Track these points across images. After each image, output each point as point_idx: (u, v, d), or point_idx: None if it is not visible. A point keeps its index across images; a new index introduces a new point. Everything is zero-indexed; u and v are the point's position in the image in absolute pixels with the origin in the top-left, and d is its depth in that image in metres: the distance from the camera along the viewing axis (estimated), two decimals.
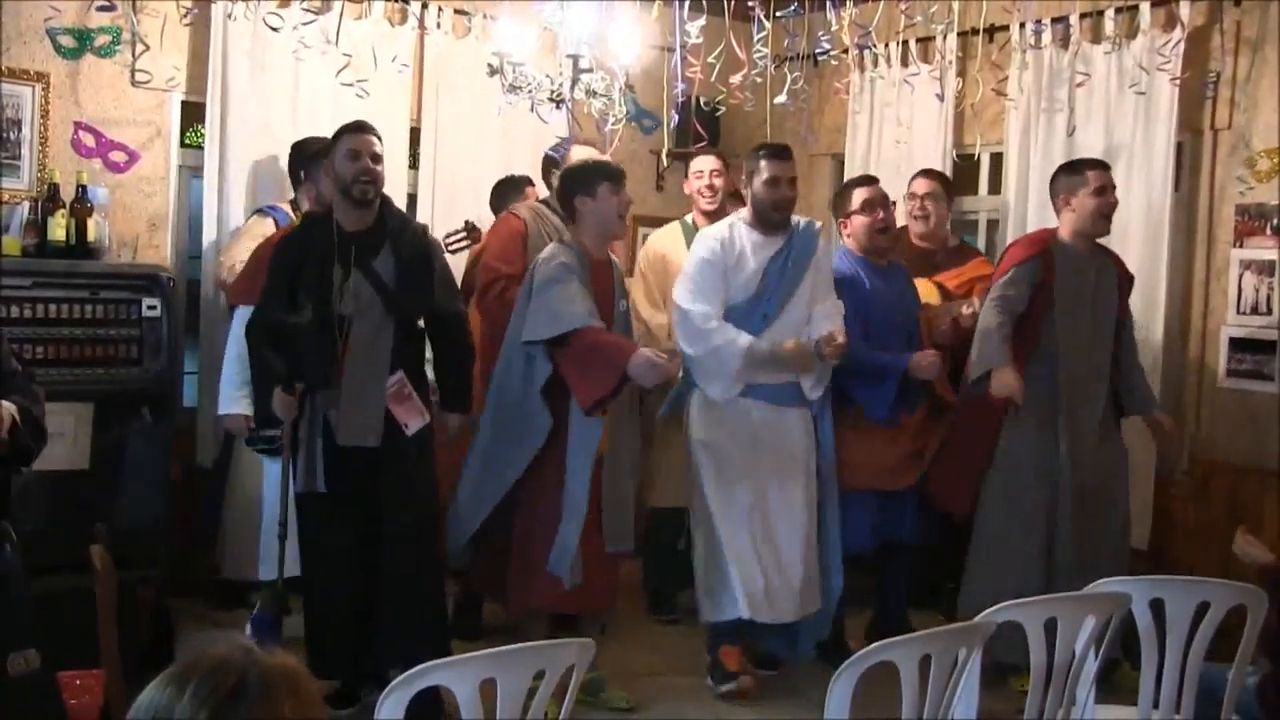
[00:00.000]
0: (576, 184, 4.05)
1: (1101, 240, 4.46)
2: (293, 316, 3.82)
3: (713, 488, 4.19)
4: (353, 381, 3.80)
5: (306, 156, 4.71)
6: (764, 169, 4.26)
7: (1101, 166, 4.40)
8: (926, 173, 5.11)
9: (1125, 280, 4.53)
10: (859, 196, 4.59)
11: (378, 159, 3.85)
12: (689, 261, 4.34)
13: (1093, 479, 4.33)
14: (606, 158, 4.23)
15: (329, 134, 4.88)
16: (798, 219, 4.38)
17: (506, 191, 5.09)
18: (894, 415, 4.47)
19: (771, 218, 4.27)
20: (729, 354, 4.12)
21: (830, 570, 4.33)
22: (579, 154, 4.58)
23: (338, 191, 3.88)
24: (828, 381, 4.32)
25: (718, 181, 4.94)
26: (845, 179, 5.85)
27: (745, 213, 4.36)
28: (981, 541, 4.41)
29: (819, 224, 4.46)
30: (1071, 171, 4.41)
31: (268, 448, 4.39)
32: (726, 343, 4.12)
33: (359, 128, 3.90)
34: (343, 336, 3.79)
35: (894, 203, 4.82)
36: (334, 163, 3.89)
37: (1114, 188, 4.37)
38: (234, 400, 4.41)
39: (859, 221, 4.57)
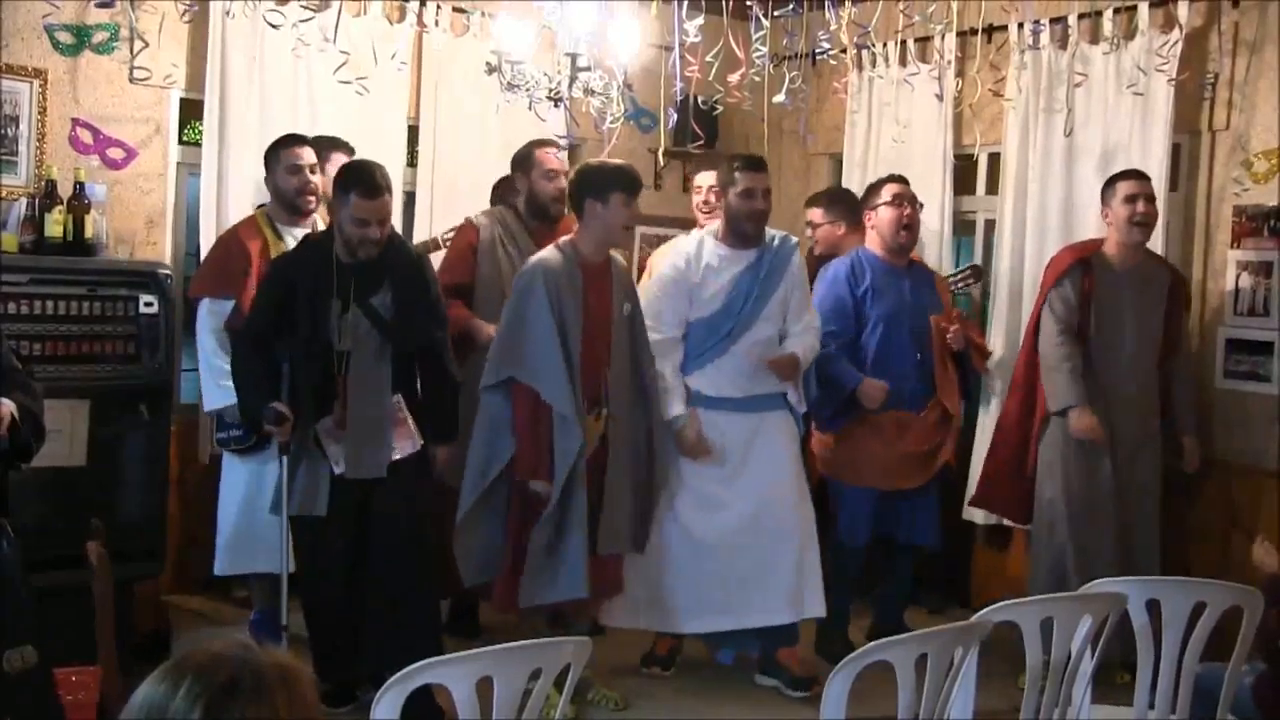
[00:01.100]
0: (590, 186, 3.97)
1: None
2: (282, 345, 3.83)
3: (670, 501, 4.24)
4: (358, 417, 3.77)
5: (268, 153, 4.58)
6: (739, 180, 4.24)
7: (1135, 176, 4.46)
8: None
9: (1180, 293, 4.54)
10: (890, 190, 4.67)
11: (385, 222, 3.77)
12: (654, 278, 4.36)
13: (1126, 492, 4.39)
14: (625, 164, 4.10)
15: (326, 131, 4.91)
16: (773, 234, 4.38)
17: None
18: (835, 425, 4.61)
19: (745, 229, 4.28)
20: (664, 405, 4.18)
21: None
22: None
23: (339, 236, 3.81)
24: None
25: (713, 198, 4.97)
26: (843, 178, 5.89)
27: (716, 226, 4.38)
28: (1035, 546, 4.55)
29: (795, 240, 4.46)
30: (1109, 183, 4.49)
31: (239, 447, 4.36)
32: (665, 403, 4.17)
33: (372, 190, 3.71)
34: (341, 371, 3.77)
35: (921, 204, 4.85)
36: (339, 213, 3.81)
37: (1149, 198, 4.40)
38: (221, 391, 4.25)
39: (886, 215, 4.63)
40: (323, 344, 3.77)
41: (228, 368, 4.05)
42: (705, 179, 5.00)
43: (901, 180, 4.77)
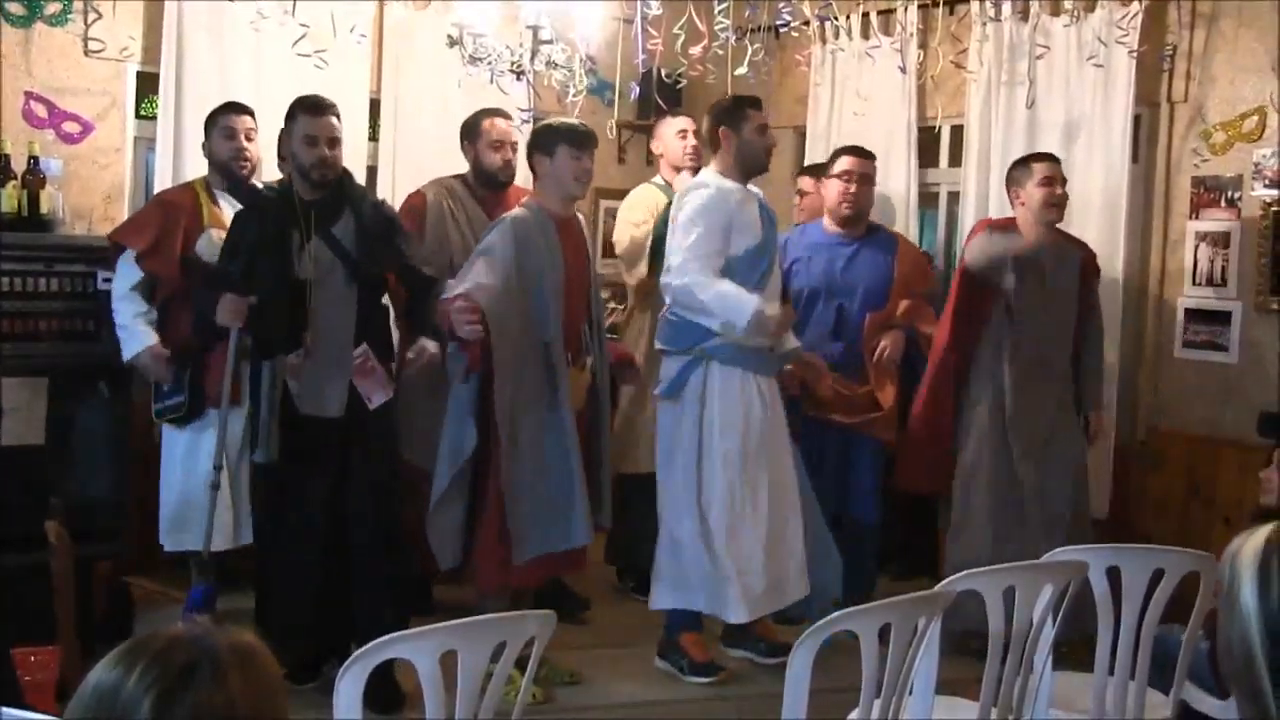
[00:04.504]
0: (537, 144, 3.99)
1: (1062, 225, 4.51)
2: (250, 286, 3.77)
3: (725, 477, 3.99)
4: (315, 349, 3.76)
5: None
6: (754, 118, 4.10)
7: (1049, 159, 4.48)
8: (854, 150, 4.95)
9: (1090, 270, 4.53)
10: (839, 164, 4.68)
11: (335, 144, 3.79)
12: (684, 219, 4.04)
13: (1042, 472, 4.38)
14: (575, 121, 4.07)
15: (285, 105, 4.85)
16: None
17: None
18: None
19: (763, 164, 4.19)
20: (740, 303, 3.90)
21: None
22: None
23: (294, 171, 3.83)
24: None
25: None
26: (806, 151, 5.89)
27: (716, 167, 4.14)
28: (955, 519, 4.51)
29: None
30: (1021, 165, 4.51)
31: (175, 416, 4.26)
32: (736, 291, 3.90)
33: (317, 108, 3.80)
34: (307, 303, 3.76)
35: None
36: (291, 143, 3.82)
37: (1063, 181, 4.42)
38: (136, 335, 4.18)
39: (831, 186, 4.68)
40: (288, 277, 3.75)
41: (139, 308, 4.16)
42: (688, 123, 4.92)
43: (855, 153, 4.76)
